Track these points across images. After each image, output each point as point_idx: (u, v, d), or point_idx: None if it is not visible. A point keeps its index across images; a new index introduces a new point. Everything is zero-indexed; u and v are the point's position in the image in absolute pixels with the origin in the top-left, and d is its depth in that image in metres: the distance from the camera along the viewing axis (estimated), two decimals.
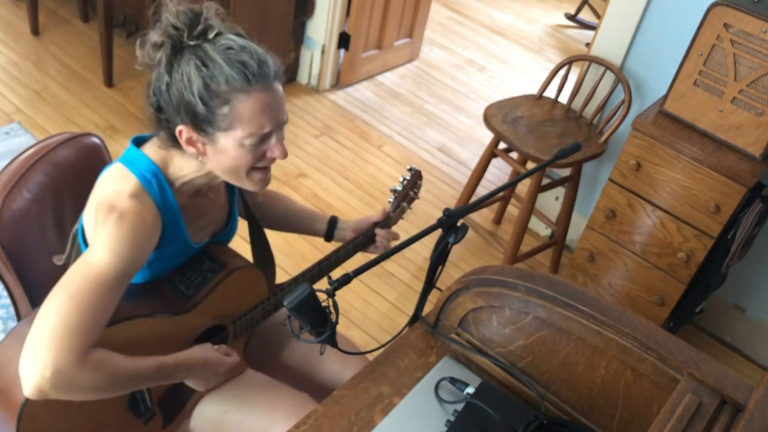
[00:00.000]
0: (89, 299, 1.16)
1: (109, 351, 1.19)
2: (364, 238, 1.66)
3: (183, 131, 1.25)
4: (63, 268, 1.43)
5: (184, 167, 1.31)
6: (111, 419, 1.35)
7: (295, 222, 1.71)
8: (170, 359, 1.29)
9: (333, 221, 1.69)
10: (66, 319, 1.13)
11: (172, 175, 1.32)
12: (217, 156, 1.28)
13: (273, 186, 1.55)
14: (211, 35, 1.22)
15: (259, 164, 1.31)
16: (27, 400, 1.18)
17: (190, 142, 1.26)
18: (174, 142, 1.28)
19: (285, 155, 1.31)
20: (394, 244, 1.68)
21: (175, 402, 1.46)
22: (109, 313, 1.20)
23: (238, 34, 1.26)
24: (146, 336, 1.32)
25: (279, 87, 1.27)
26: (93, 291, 1.16)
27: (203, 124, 1.23)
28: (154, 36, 1.23)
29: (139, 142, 1.35)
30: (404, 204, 1.77)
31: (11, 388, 1.22)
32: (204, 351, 1.36)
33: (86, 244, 1.35)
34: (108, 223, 1.21)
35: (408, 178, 1.77)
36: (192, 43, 1.21)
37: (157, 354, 1.31)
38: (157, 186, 1.29)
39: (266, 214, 1.68)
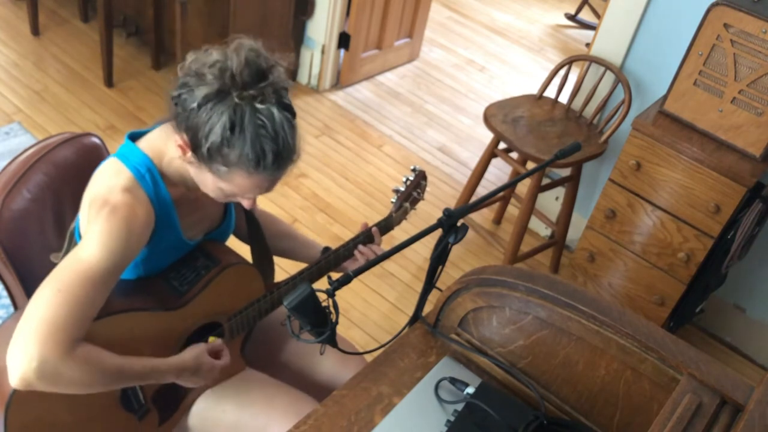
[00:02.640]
0: (78, 293, 1.16)
1: (96, 347, 1.20)
2: (364, 238, 1.66)
3: (181, 143, 1.25)
4: None
5: (180, 164, 1.31)
6: (103, 414, 1.35)
7: (288, 244, 1.72)
8: (161, 363, 1.29)
9: (326, 251, 1.69)
10: (53, 312, 1.14)
11: (167, 169, 1.32)
12: (197, 175, 1.30)
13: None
14: (258, 103, 1.19)
15: (232, 200, 1.35)
16: (15, 391, 1.19)
17: (183, 149, 1.25)
18: (174, 123, 1.27)
19: (252, 208, 1.38)
20: (386, 248, 1.68)
21: (170, 399, 1.46)
22: (98, 307, 1.20)
23: (285, 107, 1.23)
24: (138, 330, 1.32)
25: (285, 170, 1.29)
26: (82, 285, 1.17)
27: (199, 156, 1.23)
28: (208, 71, 1.19)
29: (134, 137, 1.35)
30: (407, 205, 1.76)
31: (0, 381, 1.22)
32: (196, 355, 1.35)
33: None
34: (100, 217, 1.21)
35: (411, 178, 1.77)
36: (237, 100, 1.18)
37: (149, 350, 1.31)
38: (151, 180, 1.29)
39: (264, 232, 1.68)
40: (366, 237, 1.66)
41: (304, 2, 3.50)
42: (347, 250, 1.63)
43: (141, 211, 1.25)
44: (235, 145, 1.19)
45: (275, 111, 1.20)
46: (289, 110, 1.24)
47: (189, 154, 1.24)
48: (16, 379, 1.13)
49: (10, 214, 1.40)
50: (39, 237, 1.46)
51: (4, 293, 1.87)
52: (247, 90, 1.18)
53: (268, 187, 1.30)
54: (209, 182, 1.28)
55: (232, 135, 1.18)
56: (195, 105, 1.19)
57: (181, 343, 1.41)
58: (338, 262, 1.62)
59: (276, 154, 1.22)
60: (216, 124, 1.18)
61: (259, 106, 1.18)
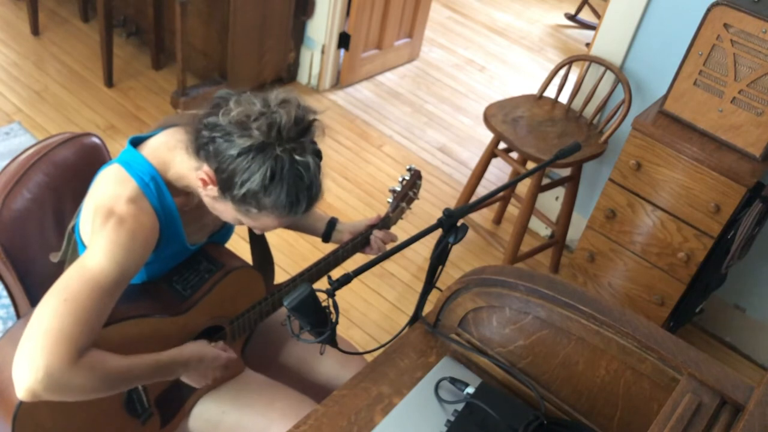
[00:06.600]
0: (84, 303, 1.15)
1: (102, 351, 1.19)
2: (362, 239, 1.66)
3: (204, 177, 1.24)
4: (62, 268, 1.43)
5: (183, 175, 1.31)
6: (108, 419, 1.35)
7: None
8: (165, 355, 1.29)
9: (332, 222, 1.69)
10: (60, 322, 1.13)
11: (171, 178, 1.31)
12: (213, 204, 1.30)
13: None
14: (297, 155, 1.21)
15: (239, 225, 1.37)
16: (21, 402, 1.18)
17: (204, 182, 1.25)
18: (192, 148, 1.26)
19: (260, 233, 1.43)
20: (393, 245, 1.68)
21: (173, 402, 1.46)
22: (104, 317, 1.20)
23: (317, 153, 1.28)
24: (143, 337, 1.31)
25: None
26: (88, 295, 1.16)
27: (229, 196, 1.24)
28: (254, 125, 1.19)
29: (136, 142, 1.34)
30: (403, 204, 1.76)
31: (6, 389, 1.22)
32: (199, 346, 1.36)
33: (83, 243, 1.35)
34: (106, 228, 1.20)
35: (407, 178, 1.77)
36: (278, 152, 1.20)
37: None
38: (156, 190, 1.28)
39: None
40: (363, 239, 1.66)
41: (304, 2, 3.50)
42: (345, 252, 1.63)
43: (147, 222, 1.25)
44: (271, 192, 1.21)
45: (311, 161, 1.24)
46: (319, 156, 1.29)
47: (211, 187, 1.25)
48: (22, 390, 1.12)
49: (10, 214, 1.40)
50: (39, 237, 1.46)
51: (4, 293, 1.87)
52: (289, 143, 1.21)
53: (287, 224, 1.34)
54: (229, 214, 1.29)
55: (271, 184, 1.20)
56: (234, 152, 1.19)
57: None
58: (336, 263, 1.62)
59: (309, 201, 1.26)
60: (255, 173, 1.19)
61: (298, 158, 1.21)
